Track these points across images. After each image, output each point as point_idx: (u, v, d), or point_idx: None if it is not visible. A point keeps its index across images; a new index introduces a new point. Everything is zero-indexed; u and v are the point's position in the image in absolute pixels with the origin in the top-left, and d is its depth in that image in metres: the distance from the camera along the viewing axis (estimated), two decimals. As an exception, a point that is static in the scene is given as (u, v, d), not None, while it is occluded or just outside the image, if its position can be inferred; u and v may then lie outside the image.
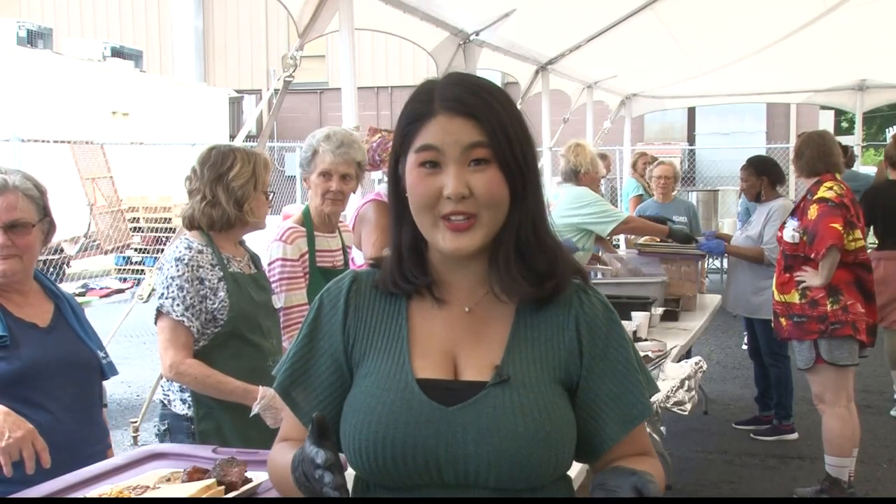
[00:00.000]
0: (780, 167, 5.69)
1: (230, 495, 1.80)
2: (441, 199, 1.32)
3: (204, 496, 1.76)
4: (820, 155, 4.46)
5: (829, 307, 4.29)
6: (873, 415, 6.01)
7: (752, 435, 5.63)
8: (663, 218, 5.75)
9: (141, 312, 5.55)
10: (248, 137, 6.11)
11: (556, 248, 1.39)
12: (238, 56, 20.79)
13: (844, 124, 21.62)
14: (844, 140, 8.74)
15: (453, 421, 1.31)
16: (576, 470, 1.89)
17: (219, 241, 2.78)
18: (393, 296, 1.43)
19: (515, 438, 1.29)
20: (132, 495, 1.79)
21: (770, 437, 5.57)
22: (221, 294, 2.68)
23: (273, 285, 3.08)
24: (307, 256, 3.21)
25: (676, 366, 3.44)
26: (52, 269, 9.81)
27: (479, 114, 1.31)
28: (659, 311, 4.63)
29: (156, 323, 2.68)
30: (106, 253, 11.96)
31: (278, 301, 3.06)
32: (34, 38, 14.09)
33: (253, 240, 2.99)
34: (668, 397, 3.17)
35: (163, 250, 4.69)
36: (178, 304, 2.62)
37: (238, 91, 19.51)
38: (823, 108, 16.86)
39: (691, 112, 17.37)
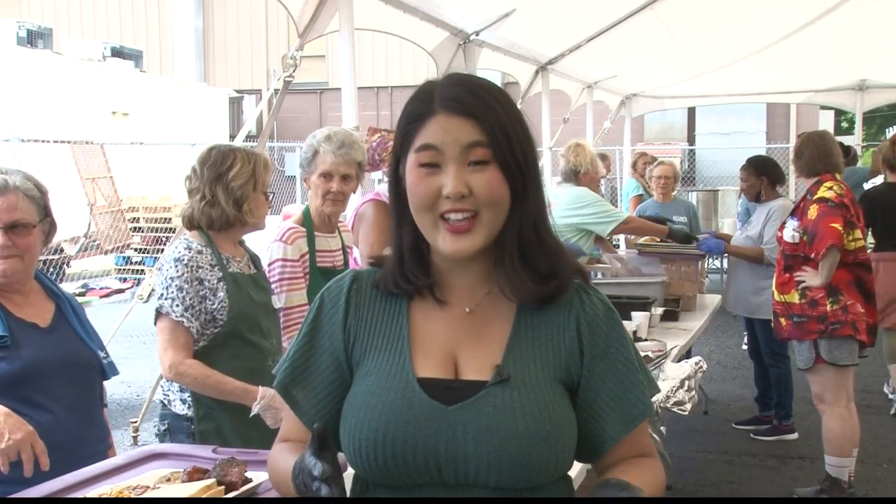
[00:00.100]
0: (780, 167, 5.69)
1: (230, 495, 1.80)
2: (440, 199, 1.32)
3: (204, 496, 1.76)
4: (820, 155, 4.46)
5: (828, 307, 4.29)
6: (873, 415, 6.01)
7: (752, 435, 5.63)
8: (662, 218, 5.76)
9: (141, 312, 5.55)
10: (248, 137, 6.11)
11: (558, 249, 1.39)
12: (238, 56, 20.79)
13: (844, 124, 21.61)
14: (846, 140, 8.74)
15: (453, 420, 1.31)
16: (576, 470, 1.89)
17: (218, 241, 2.78)
18: (394, 295, 1.43)
19: (516, 438, 1.29)
20: (132, 495, 1.79)
21: (770, 437, 5.57)
22: (221, 294, 2.68)
23: (273, 286, 3.08)
24: (307, 257, 3.21)
25: (676, 366, 3.44)
26: (52, 269, 9.81)
27: (478, 113, 1.31)
28: (659, 311, 4.63)
29: (155, 323, 2.68)
30: (106, 253, 11.96)
31: (279, 301, 3.06)
32: (34, 38, 14.09)
33: (253, 240, 2.99)
34: (668, 397, 3.18)
35: (163, 250, 4.69)
36: (177, 305, 2.62)
37: (238, 91, 19.52)
38: (823, 108, 16.86)
39: (691, 112, 17.37)
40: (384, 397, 1.34)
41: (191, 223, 2.79)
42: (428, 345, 1.39)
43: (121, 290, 11.70)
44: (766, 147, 15.47)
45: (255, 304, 2.77)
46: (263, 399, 2.62)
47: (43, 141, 11.22)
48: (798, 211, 4.47)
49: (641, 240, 5.56)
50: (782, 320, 4.48)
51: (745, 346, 6.94)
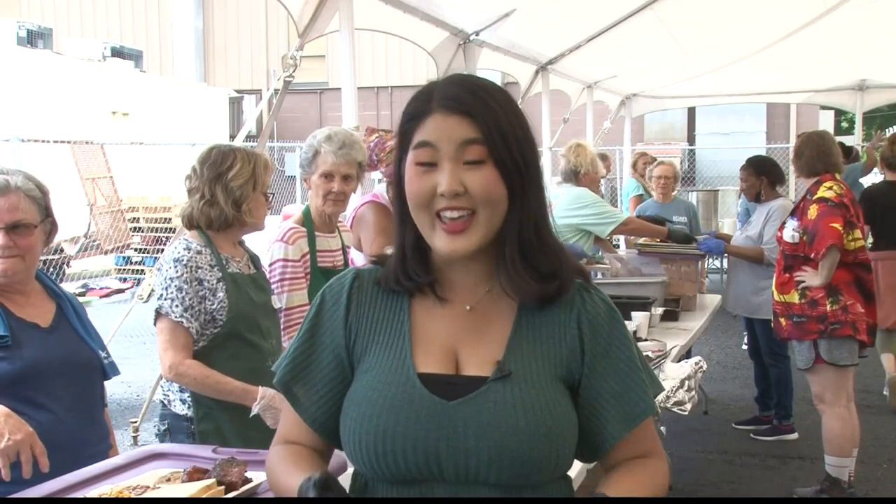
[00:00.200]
0: (780, 167, 5.69)
1: (230, 495, 1.80)
2: (436, 197, 1.32)
3: (204, 496, 1.76)
4: (819, 155, 4.46)
5: (828, 307, 4.29)
6: (873, 415, 6.01)
7: (752, 435, 5.63)
8: (662, 219, 5.76)
9: (141, 312, 5.55)
10: (248, 137, 6.10)
11: (559, 249, 1.39)
12: (238, 56, 20.79)
13: (844, 124, 21.62)
14: (846, 140, 8.75)
15: (454, 415, 1.31)
16: (576, 470, 1.89)
17: (218, 241, 2.78)
18: (395, 293, 1.43)
19: (516, 433, 1.29)
20: (132, 495, 1.79)
21: (770, 437, 5.57)
22: (220, 295, 2.68)
23: (275, 286, 3.08)
24: (308, 257, 3.20)
25: (676, 366, 3.44)
26: (52, 269, 9.81)
27: (474, 112, 1.32)
28: (659, 311, 4.63)
29: (155, 324, 2.68)
30: (106, 253, 11.97)
31: (280, 302, 3.06)
32: (34, 38, 14.10)
33: (253, 240, 2.99)
34: (668, 397, 3.18)
35: (163, 250, 4.70)
36: (177, 305, 2.62)
37: (238, 91, 19.52)
38: (823, 108, 16.86)
39: (691, 112, 17.37)
40: (385, 392, 1.34)
41: (190, 222, 2.79)
42: (429, 341, 1.39)
43: (121, 290, 11.71)
44: (766, 147, 15.47)
45: (255, 304, 2.77)
46: (263, 399, 2.62)
47: (43, 141, 11.22)
48: (798, 211, 4.47)
49: (641, 240, 5.56)
50: (782, 320, 4.48)
51: (745, 346, 6.94)
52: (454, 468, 1.31)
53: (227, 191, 2.73)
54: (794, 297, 4.39)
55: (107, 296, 11.56)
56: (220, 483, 1.81)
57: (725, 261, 8.41)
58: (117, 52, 15.62)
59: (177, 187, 4.80)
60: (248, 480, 1.85)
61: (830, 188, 4.36)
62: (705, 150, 16.90)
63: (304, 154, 3.25)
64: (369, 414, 1.33)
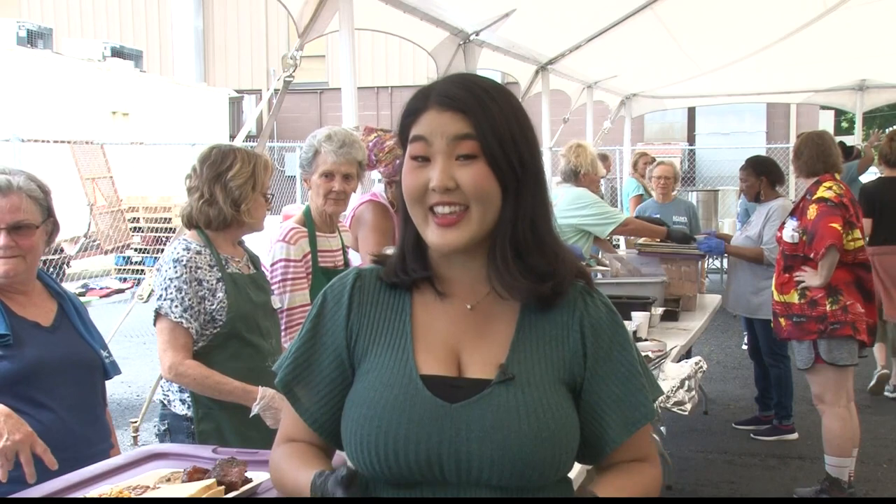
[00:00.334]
0: (780, 167, 5.69)
1: (230, 495, 1.80)
2: (428, 192, 1.33)
3: (204, 496, 1.76)
4: (819, 155, 4.46)
5: (828, 307, 4.29)
6: (873, 415, 6.01)
7: (752, 435, 5.63)
8: (660, 221, 5.77)
9: (141, 312, 5.55)
10: (248, 137, 6.10)
11: (557, 249, 1.39)
12: (238, 56, 20.79)
13: (844, 124, 21.62)
14: (847, 140, 8.75)
15: (457, 418, 1.31)
16: (575, 471, 1.89)
17: (217, 241, 2.78)
18: (397, 292, 1.43)
19: (519, 437, 1.29)
20: (132, 495, 1.79)
21: (770, 437, 5.57)
22: (220, 295, 2.68)
23: (276, 286, 3.08)
24: (310, 257, 3.20)
25: (676, 366, 3.44)
26: (52, 269, 9.80)
27: (467, 108, 1.32)
28: (659, 311, 4.62)
29: (155, 324, 2.68)
30: (106, 253, 11.97)
31: (281, 302, 3.06)
32: (34, 38, 14.09)
33: (253, 240, 2.99)
34: (668, 397, 3.18)
35: (163, 250, 4.69)
36: (176, 306, 2.62)
37: (238, 91, 19.52)
38: (823, 108, 16.86)
39: (691, 112, 17.36)
40: (387, 394, 1.34)
41: (189, 222, 2.79)
42: (431, 341, 1.39)
43: (121, 290, 11.71)
44: (766, 147, 15.47)
45: (255, 304, 2.77)
46: (263, 399, 2.62)
47: (43, 141, 11.23)
48: (797, 211, 4.47)
49: (641, 240, 5.57)
50: (782, 320, 4.48)
51: (745, 346, 6.94)
52: (456, 471, 1.31)
53: (227, 190, 2.73)
54: (794, 297, 4.39)
55: (107, 296, 11.56)
56: (220, 483, 1.81)
57: (725, 261, 8.42)
58: (117, 52, 15.62)
59: (177, 187, 4.80)
60: (248, 480, 1.85)
61: (830, 188, 4.36)
62: (705, 150, 16.90)
63: (304, 154, 3.25)
64: (371, 415, 1.33)
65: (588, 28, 6.62)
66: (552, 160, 7.71)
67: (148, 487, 1.84)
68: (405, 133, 1.37)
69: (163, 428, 2.75)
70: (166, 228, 11.27)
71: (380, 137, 3.61)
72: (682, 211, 6.90)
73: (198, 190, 2.76)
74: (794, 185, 11.92)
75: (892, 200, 6.17)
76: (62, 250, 10.79)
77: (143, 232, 11.99)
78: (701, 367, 3.43)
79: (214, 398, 2.65)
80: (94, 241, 11.92)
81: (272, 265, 3.13)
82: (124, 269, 12.05)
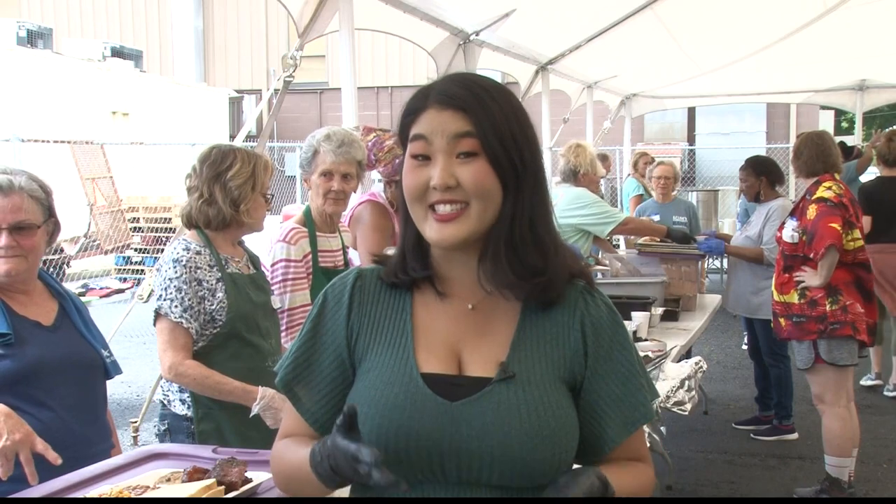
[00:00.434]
0: (780, 167, 5.70)
1: (230, 495, 1.80)
2: (429, 190, 1.33)
3: (204, 496, 1.76)
4: (819, 155, 4.46)
5: (828, 307, 4.29)
6: (873, 415, 6.01)
7: (752, 435, 5.63)
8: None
9: (141, 312, 5.55)
10: (248, 137, 6.11)
11: (554, 247, 1.39)
12: (238, 56, 20.79)
13: (844, 124, 21.63)
14: (847, 140, 8.76)
15: (457, 416, 1.31)
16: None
17: (217, 241, 2.78)
18: (397, 291, 1.43)
19: (520, 435, 1.29)
20: (132, 495, 1.79)
21: (770, 437, 5.57)
22: (220, 295, 2.68)
23: (277, 286, 3.08)
24: (310, 257, 3.20)
25: (676, 366, 3.44)
26: (52, 269, 9.80)
27: (467, 106, 1.32)
28: (659, 311, 4.62)
29: (154, 324, 2.68)
30: (106, 253, 11.97)
31: (282, 302, 3.06)
32: (34, 38, 14.10)
33: (253, 240, 2.99)
34: (668, 397, 3.18)
35: (163, 250, 4.70)
36: (176, 306, 2.62)
37: (238, 91, 19.52)
38: (823, 108, 16.87)
39: (691, 112, 17.37)
40: (387, 392, 1.34)
41: (189, 221, 2.79)
42: (431, 340, 1.39)
43: (121, 290, 11.71)
44: (766, 147, 15.47)
45: (254, 304, 2.77)
46: (263, 399, 2.62)
47: (43, 141, 11.23)
48: (797, 211, 4.47)
49: (641, 240, 5.57)
50: (782, 320, 4.48)
51: (745, 346, 6.94)
52: (457, 469, 1.31)
53: (226, 190, 2.73)
54: (794, 298, 4.39)
55: (107, 296, 11.57)
56: (220, 483, 1.81)
57: (725, 261, 8.42)
58: (117, 52, 15.63)
59: (177, 187, 4.80)
60: (248, 480, 1.85)
61: (829, 188, 4.36)
62: (705, 150, 16.90)
63: (304, 154, 3.25)
64: (371, 414, 1.32)
65: (588, 28, 6.62)
66: (552, 160, 7.72)
67: (148, 487, 1.84)
68: (405, 132, 1.37)
69: (163, 428, 2.75)
70: (166, 228, 11.27)
71: (379, 137, 3.60)
72: (682, 211, 6.91)
73: (197, 190, 2.76)
74: (794, 185, 11.92)
75: (889, 200, 6.22)
76: (62, 250, 10.79)
77: (143, 232, 11.99)
78: (701, 367, 3.43)
79: (214, 398, 2.65)
80: (94, 241, 11.92)
81: (272, 265, 3.13)
82: (124, 269, 12.05)
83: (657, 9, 6.17)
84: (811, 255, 4.31)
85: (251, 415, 2.62)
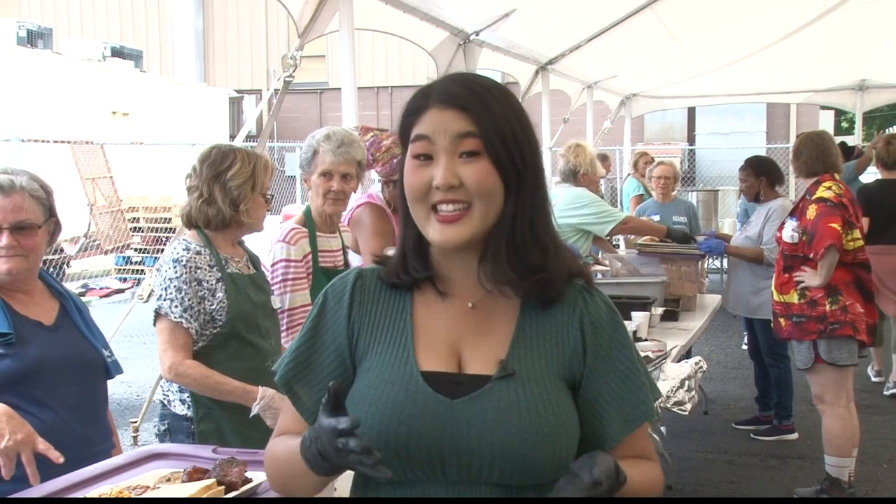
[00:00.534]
0: (779, 167, 5.70)
1: (230, 495, 1.80)
2: (431, 190, 1.33)
3: (204, 496, 1.76)
4: (818, 155, 4.46)
5: (828, 307, 4.29)
6: (873, 415, 6.01)
7: (752, 435, 5.63)
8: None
9: (141, 312, 5.55)
10: (248, 137, 6.11)
11: (554, 246, 1.39)
12: (238, 56, 20.79)
13: (844, 124, 21.63)
14: (847, 140, 8.77)
15: (458, 413, 1.31)
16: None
17: (217, 241, 2.78)
18: (397, 291, 1.44)
19: (519, 432, 1.29)
20: (132, 495, 1.79)
21: (770, 437, 5.57)
22: (220, 295, 2.68)
23: (277, 286, 3.08)
24: (310, 257, 3.20)
25: (676, 366, 3.44)
26: (52, 269, 9.80)
27: (469, 106, 1.33)
28: (659, 311, 4.62)
29: (154, 324, 2.68)
30: (106, 253, 11.97)
31: (281, 302, 3.06)
32: (34, 38, 14.10)
33: (253, 240, 2.98)
34: (668, 397, 3.18)
35: (163, 250, 4.70)
36: (176, 306, 2.62)
37: (238, 91, 19.52)
38: (823, 108, 16.86)
39: (691, 112, 17.37)
40: (387, 391, 1.34)
41: (189, 221, 2.79)
42: (431, 338, 1.39)
43: (121, 290, 11.71)
44: (766, 147, 15.48)
45: (254, 304, 2.77)
46: (263, 399, 2.62)
47: (43, 141, 11.23)
48: (797, 211, 4.47)
49: (641, 240, 5.57)
50: (782, 320, 4.48)
51: (745, 346, 6.95)
52: (457, 467, 1.31)
53: (226, 190, 2.73)
54: (794, 298, 4.39)
55: (107, 296, 11.57)
56: (220, 483, 1.81)
57: (725, 261, 8.42)
58: (117, 52, 15.63)
59: (177, 187, 4.80)
60: (248, 480, 1.85)
61: (829, 188, 4.36)
62: (705, 150, 16.90)
63: (304, 154, 3.25)
64: (372, 413, 1.33)
65: (588, 28, 6.62)
66: (552, 160, 7.72)
67: (148, 487, 1.84)
68: (406, 132, 1.37)
69: (163, 428, 2.75)
70: (166, 228, 11.28)
71: (376, 137, 3.60)
72: (682, 211, 6.91)
73: (197, 189, 2.76)
74: (794, 185, 11.92)
75: (888, 202, 6.26)
76: (62, 250, 10.79)
77: (143, 232, 11.99)
78: (701, 367, 3.43)
79: (214, 398, 2.65)
80: (94, 241, 11.92)
81: (273, 265, 3.13)
82: (124, 269, 12.05)
83: (657, 9, 6.17)
84: (811, 255, 4.31)
85: (251, 415, 2.62)
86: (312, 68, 17.62)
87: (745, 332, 6.35)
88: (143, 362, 7.41)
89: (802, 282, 4.36)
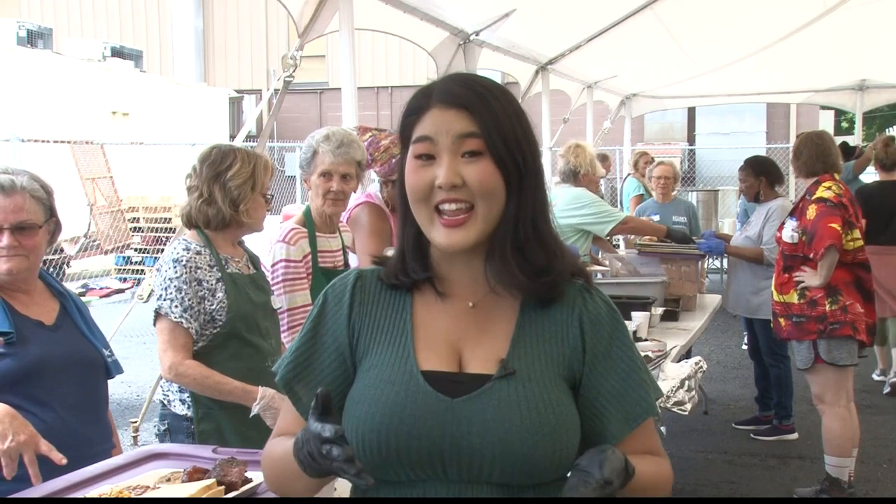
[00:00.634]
0: (779, 167, 5.70)
1: (230, 495, 1.80)
2: (434, 190, 1.33)
3: (204, 496, 1.76)
4: (818, 155, 4.46)
5: (827, 307, 4.29)
6: (873, 415, 6.01)
7: (752, 435, 5.63)
8: None
9: (141, 312, 5.55)
10: (248, 137, 6.11)
11: (557, 247, 1.40)
12: (238, 56, 20.79)
13: (844, 124, 21.63)
14: (849, 141, 8.77)
15: (458, 412, 1.31)
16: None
17: (217, 241, 2.78)
18: (397, 291, 1.44)
19: (520, 431, 1.29)
20: (132, 495, 1.79)
21: (770, 437, 5.57)
22: (220, 295, 2.68)
23: (277, 286, 3.08)
24: (310, 257, 3.20)
25: (676, 366, 3.44)
26: (52, 269, 9.80)
27: (471, 106, 1.33)
28: (659, 311, 4.62)
29: (154, 324, 2.68)
30: (106, 253, 11.97)
31: (283, 302, 3.06)
32: (34, 38, 14.10)
33: (253, 240, 2.99)
34: (668, 397, 3.18)
35: (163, 250, 4.71)
36: (176, 306, 2.62)
37: (238, 91, 19.52)
38: (823, 108, 16.86)
39: (691, 112, 17.37)
40: (388, 390, 1.34)
41: (189, 221, 2.79)
42: (432, 338, 1.39)
43: (121, 290, 11.72)
44: (766, 147, 15.48)
45: (254, 304, 2.77)
46: (263, 399, 2.62)
47: (43, 141, 11.23)
48: (797, 211, 4.47)
49: (641, 240, 5.57)
50: (781, 320, 4.48)
51: (745, 346, 6.95)
52: (457, 466, 1.31)
53: (225, 190, 2.73)
54: (794, 298, 4.39)
55: (107, 296, 11.57)
56: (220, 483, 1.81)
57: (725, 261, 8.43)
58: (117, 52, 15.63)
59: (177, 187, 4.80)
60: (248, 480, 1.85)
61: (829, 188, 4.36)
62: (705, 150, 16.90)
63: (303, 154, 3.25)
64: (372, 413, 1.33)
65: (588, 28, 6.62)
66: (552, 160, 7.72)
67: (148, 487, 1.84)
68: (407, 132, 1.37)
69: (163, 428, 2.75)
70: (166, 228, 11.28)
71: (375, 137, 3.60)
72: (681, 211, 6.91)
73: (197, 189, 2.76)
74: (794, 185, 11.92)
75: (887, 203, 6.29)
76: (62, 250, 10.79)
77: (143, 232, 12.00)
78: (701, 367, 3.43)
79: (214, 398, 2.65)
80: (94, 241, 11.92)
81: (273, 266, 3.13)
82: (124, 269, 12.05)
83: (657, 9, 6.17)
84: (811, 256, 4.31)
85: (251, 415, 2.62)
86: (312, 68, 17.62)
87: (745, 332, 6.35)
88: (143, 362, 7.42)
89: (802, 282, 4.36)
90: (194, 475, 1.85)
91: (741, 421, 5.86)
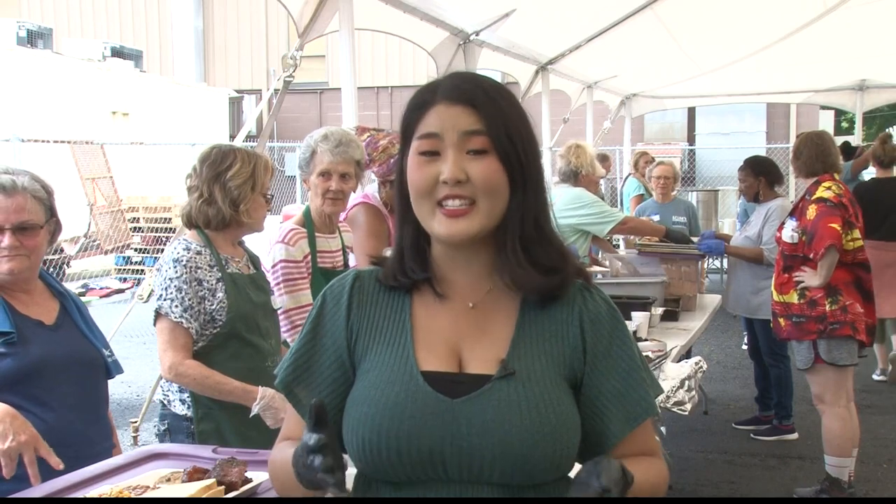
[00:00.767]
0: (778, 167, 5.70)
1: (230, 495, 1.80)
2: (438, 185, 1.32)
3: (204, 496, 1.76)
4: (818, 155, 4.46)
5: (827, 307, 4.29)
6: (873, 415, 6.01)
7: (752, 435, 5.63)
8: None
9: (141, 312, 5.55)
10: (248, 137, 6.11)
11: (560, 245, 1.40)
12: (238, 56, 20.79)
13: (844, 124, 21.63)
14: (849, 141, 8.78)
15: (458, 413, 1.31)
16: (576, 470, 1.89)
17: (217, 241, 2.78)
18: (396, 292, 1.43)
19: (520, 431, 1.29)
20: (132, 495, 1.79)
21: (770, 437, 5.57)
22: (220, 295, 2.68)
23: (277, 287, 3.08)
24: (310, 258, 3.20)
25: (676, 366, 3.44)
26: (52, 269, 9.80)
27: (477, 102, 1.33)
28: (659, 311, 4.62)
29: (155, 324, 2.68)
30: (106, 253, 11.97)
31: (282, 302, 3.06)
32: (34, 38, 14.10)
33: (253, 240, 2.99)
34: (668, 397, 3.18)
35: (163, 250, 4.71)
36: (176, 306, 2.62)
37: (238, 91, 19.52)
38: (823, 108, 16.86)
39: (691, 112, 17.37)
40: (387, 391, 1.34)
41: (189, 221, 2.79)
42: (431, 338, 1.39)
43: (121, 290, 11.72)
44: (766, 147, 15.48)
45: (254, 304, 2.77)
46: (263, 399, 2.62)
47: (43, 141, 11.23)
48: (797, 211, 4.47)
49: (641, 240, 5.57)
50: (781, 320, 4.48)
51: (745, 346, 6.95)
52: (458, 467, 1.31)
53: (226, 190, 2.73)
54: (794, 298, 4.39)
55: (107, 296, 11.57)
56: (220, 483, 1.81)
57: (725, 261, 8.43)
58: (117, 52, 15.63)
59: (177, 187, 4.81)
60: (248, 480, 1.85)
61: (829, 188, 4.36)
62: (705, 150, 16.91)
63: (303, 154, 3.25)
64: (372, 413, 1.32)
65: (588, 28, 6.63)
66: (552, 160, 7.72)
67: (148, 487, 1.84)
68: (410, 127, 1.37)
69: (163, 428, 2.75)
70: (166, 228, 11.28)
71: (373, 137, 3.60)
72: (681, 211, 6.91)
73: (197, 189, 2.76)
74: (794, 185, 11.92)
75: (883, 200, 6.29)
76: (62, 250, 10.79)
77: (143, 232, 12.00)
78: (701, 367, 3.43)
79: (214, 398, 2.65)
80: (94, 241, 11.93)
81: (273, 266, 3.13)
82: (124, 269, 12.06)
83: (657, 9, 6.17)
84: (811, 256, 4.31)
85: (251, 415, 2.62)
86: (312, 68, 17.62)
87: (745, 332, 6.35)
88: (143, 362, 7.41)
89: (802, 282, 4.36)
90: (194, 475, 1.85)
91: (741, 421, 5.86)
